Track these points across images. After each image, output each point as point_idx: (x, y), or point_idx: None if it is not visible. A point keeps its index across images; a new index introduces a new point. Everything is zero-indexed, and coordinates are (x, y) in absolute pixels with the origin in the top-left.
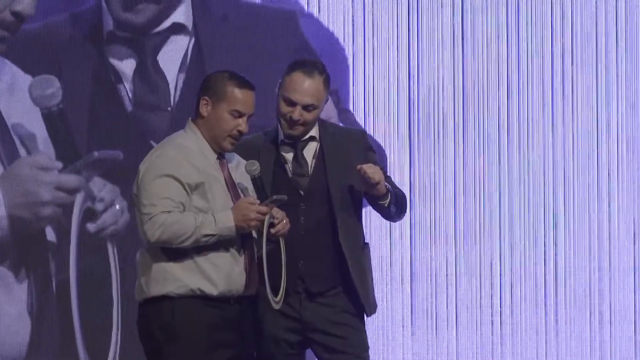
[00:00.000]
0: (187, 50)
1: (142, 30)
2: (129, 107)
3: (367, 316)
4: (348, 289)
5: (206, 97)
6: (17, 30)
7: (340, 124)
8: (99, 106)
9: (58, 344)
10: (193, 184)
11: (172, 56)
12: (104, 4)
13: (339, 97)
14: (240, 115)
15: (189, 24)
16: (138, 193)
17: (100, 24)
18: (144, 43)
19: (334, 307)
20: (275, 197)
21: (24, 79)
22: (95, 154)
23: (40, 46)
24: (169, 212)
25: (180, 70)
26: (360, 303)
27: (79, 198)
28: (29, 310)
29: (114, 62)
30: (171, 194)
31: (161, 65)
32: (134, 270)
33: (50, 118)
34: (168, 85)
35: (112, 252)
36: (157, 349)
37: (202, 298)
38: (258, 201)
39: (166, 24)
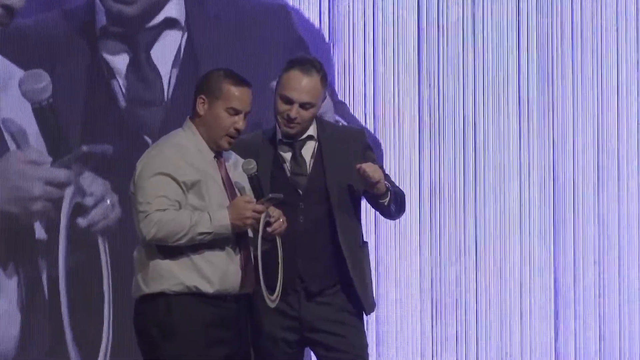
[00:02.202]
0: (180, 45)
1: (135, 24)
2: (122, 102)
3: (365, 315)
4: (347, 288)
5: (203, 96)
6: (9, 24)
7: (337, 117)
8: (92, 101)
9: (48, 340)
10: (189, 183)
11: (165, 51)
12: None
13: (332, 89)
14: (237, 112)
15: (182, 19)
16: (135, 191)
17: (93, 19)
18: (137, 38)
19: (333, 305)
20: (271, 195)
21: (15, 74)
22: (85, 148)
23: (32, 41)
24: (165, 210)
25: (173, 66)
26: (359, 302)
27: (68, 192)
28: (18, 306)
29: (107, 57)
30: (167, 192)
31: (154, 60)
32: (130, 266)
33: (41, 112)
34: (161, 80)
35: (102, 247)
36: (153, 346)
37: (198, 295)
38: (254, 199)
39: (159, 18)
